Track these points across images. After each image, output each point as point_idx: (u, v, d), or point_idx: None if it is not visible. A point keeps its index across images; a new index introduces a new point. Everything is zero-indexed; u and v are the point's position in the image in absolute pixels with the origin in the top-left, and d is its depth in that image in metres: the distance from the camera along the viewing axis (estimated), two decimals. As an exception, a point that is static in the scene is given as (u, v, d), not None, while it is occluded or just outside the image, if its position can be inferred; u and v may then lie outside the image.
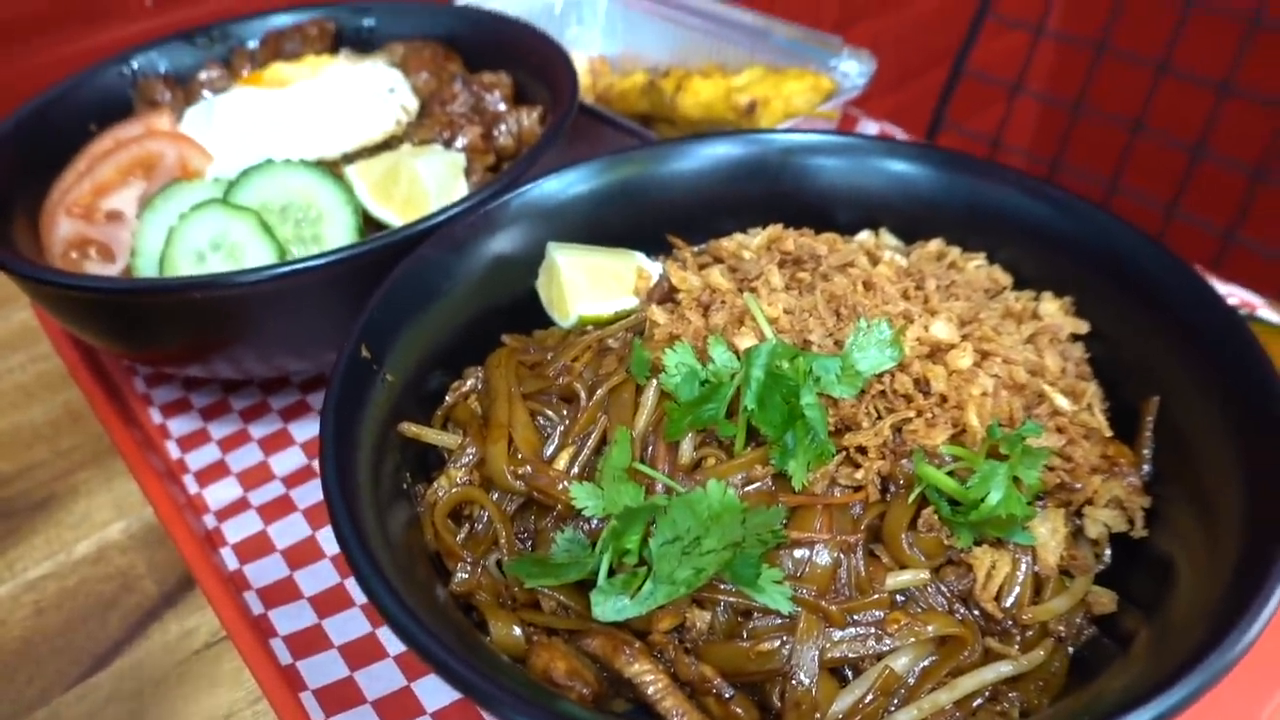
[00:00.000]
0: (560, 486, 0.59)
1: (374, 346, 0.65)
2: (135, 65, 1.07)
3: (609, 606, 0.54)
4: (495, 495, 0.62)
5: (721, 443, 0.60)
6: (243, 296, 0.74)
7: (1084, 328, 0.70)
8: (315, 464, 0.86)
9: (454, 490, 0.62)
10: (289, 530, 0.80)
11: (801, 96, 0.99)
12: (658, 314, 0.68)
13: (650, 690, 0.52)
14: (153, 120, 0.94)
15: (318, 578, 0.76)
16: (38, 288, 0.79)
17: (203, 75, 1.03)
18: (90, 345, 1.00)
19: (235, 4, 1.27)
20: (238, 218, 0.82)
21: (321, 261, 0.73)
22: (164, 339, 0.82)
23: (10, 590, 0.80)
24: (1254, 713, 0.61)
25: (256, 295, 0.74)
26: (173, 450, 0.90)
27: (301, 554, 0.77)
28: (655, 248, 0.82)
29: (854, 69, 1.12)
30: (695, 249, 0.81)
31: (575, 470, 0.61)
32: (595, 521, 0.58)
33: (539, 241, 0.79)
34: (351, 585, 0.75)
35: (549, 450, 0.63)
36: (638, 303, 0.73)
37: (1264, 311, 0.97)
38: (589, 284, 0.73)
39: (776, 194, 0.83)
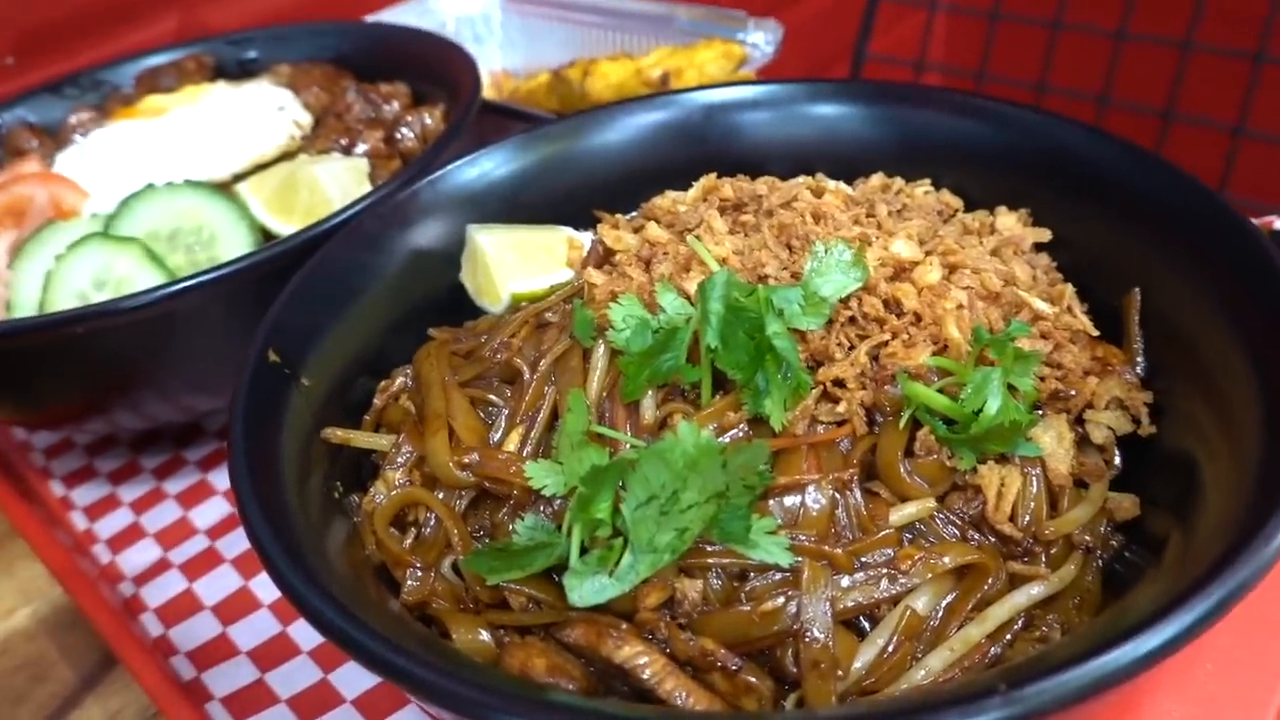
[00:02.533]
0: (513, 470, 0.52)
1: (286, 351, 0.58)
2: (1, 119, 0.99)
3: (586, 589, 0.47)
4: (441, 494, 0.55)
5: (686, 395, 0.54)
6: (130, 325, 0.66)
7: (1046, 235, 0.66)
8: (242, 511, 0.78)
9: (394, 493, 0.54)
10: (217, 584, 0.71)
11: (715, 64, 0.95)
12: (595, 275, 0.62)
13: (646, 674, 0.45)
14: (18, 167, 0.86)
15: (254, 629, 0.67)
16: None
17: (73, 119, 0.95)
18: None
19: (106, 54, 1.20)
20: (121, 250, 0.74)
21: (211, 276, 0.65)
22: (54, 389, 0.74)
23: (-98, 701, 0.70)
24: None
25: (145, 322, 0.66)
26: (78, 521, 0.80)
27: (234, 607, 0.69)
28: (584, 225, 0.76)
29: (762, 38, 1.09)
30: (626, 217, 0.75)
31: (528, 450, 0.54)
32: (558, 501, 0.51)
33: (458, 231, 0.73)
34: (294, 631, 0.66)
35: (495, 436, 0.56)
36: (573, 275, 0.67)
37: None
38: (518, 261, 0.67)
39: (704, 156, 0.78)
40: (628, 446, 0.50)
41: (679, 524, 0.46)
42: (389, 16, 1.30)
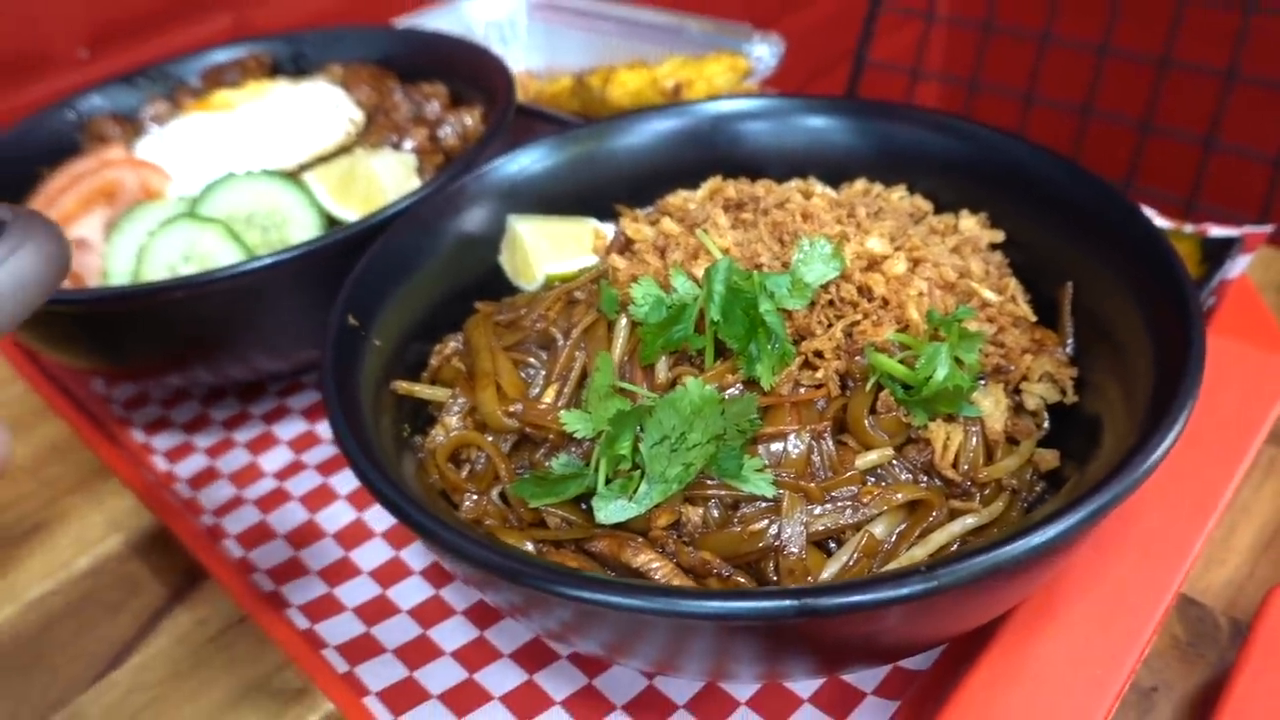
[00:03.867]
0: (551, 418, 0.64)
1: (359, 315, 0.69)
2: (79, 109, 1.11)
3: (610, 509, 0.59)
4: (490, 437, 0.67)
5: (692, 360, 0.66)
6: (218, 294, 0.78)
7: (1000, 236, 0.78)
8: (303, 457, 0.90)
9: (452, 435, 0.66)
10: (287, 517, 0.83)
11: (721, 76, 1.07)
12: (618, 260, 0.73)
13: (657, 576, 0.57)
14: (105, 153, 0.97)
15: (323, 554, 0.79)
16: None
17: (149, 110, 1.07)
18: (63, 381, 1.02)
19: (168, 49, 1.31)
20: (206, 228, 0.86)
21: (291, 255, 0.77)
22: (146, 347, 0.85)
23: (16, 609, 0.82)
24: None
25: (230, 291, 0.78)
26: (160, 463, 0.92)
27: (304, 535, 0.81)
28: (606, 217, 0.88)
29: (765, 51, 1.21)
30: (644, 211, 0.87)
31: (562, 403, 0.66)
32: (587, 443, 0.63)
33: (497, 219, 0.84)
34: (356, 555, 0.78)
35: (534, 391, 0.68)
36: (598, 260, 0.79)
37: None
38: (551, 247, 0.79)
39: (711, 159, 0.90)
40: (644, 399, 0.62)
41: (685, 460, 0.58)
42: (421, 20, 1.41)
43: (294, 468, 0.88)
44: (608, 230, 0.82)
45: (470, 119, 1.01)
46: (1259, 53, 1.55)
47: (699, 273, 0.67)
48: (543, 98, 1.25)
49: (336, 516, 0.82)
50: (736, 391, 0.63)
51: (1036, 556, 0.47)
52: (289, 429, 0.93)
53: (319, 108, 1.01)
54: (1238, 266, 0.88)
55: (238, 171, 0.92)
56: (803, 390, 0.64)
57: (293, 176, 0.92)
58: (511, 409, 0.65)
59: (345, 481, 0.86)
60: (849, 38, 2.29)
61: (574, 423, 0.62)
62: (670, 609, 0.47)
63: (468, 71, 1.10)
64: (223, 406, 0.97)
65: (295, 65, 1.19)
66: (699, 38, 1.27)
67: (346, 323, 0.68)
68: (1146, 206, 0.86)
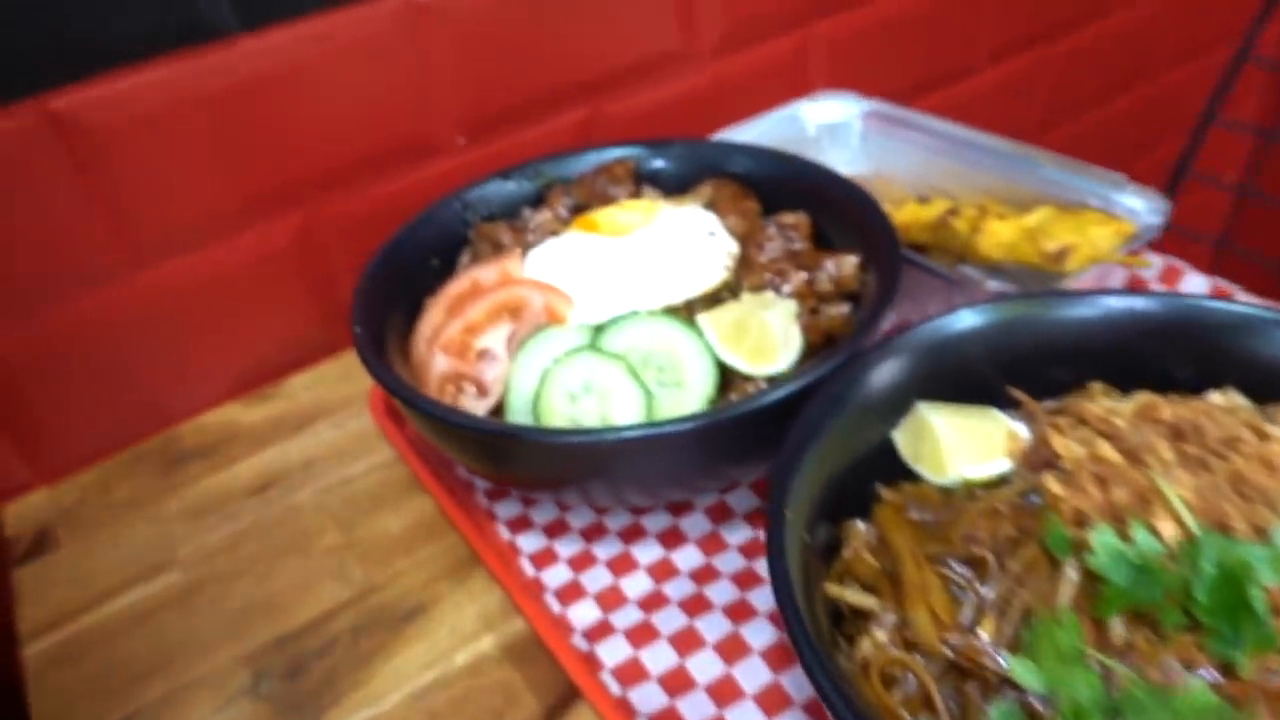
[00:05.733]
0: (991, 658, 0.64)
1: (781, 497, 0.72)
2: (464, 202, 1.20)
3: (1071, 785, 0.58)
4: (920, 658, 0.67)
5: (1142, 617, 0.64)
6: (616, 448, 0.82)
7: None
8: (665, 589, 0.93)
9: (885, 654, 0.67)
10: (659, 657, 0.86)
11: (1106, 241, 1.03)
12: (1054, 484, 0.72)
13: None
14: (506, 265, 1.05)
15: (697, 708, 0.82)
16: (432, 423, 0.89)
17: (534, 218, 1.14)
18: (430, 457, 1.11)
19: (533, 137, 1.40)
20: (608, 363, 0.91)
21: (728, 414, 0.80)
22: (533, 471, 0.91)
23: (401, 699, 0.89)
24: None
25: (628, 447, 0.82)
26: (527, 567, 0.98)
27: (677, 681, 0.84)
28: (996, 395, 0.86)
29: (1140, 206, 1.15)
30: (1046, 405, 0.85)
31: (1002, 641, 0.66)
32: (1030, 695, 0.62)
33: (898, 387, 0.84)
34: (731, 715, 0.80)
35: (966, 615, 0.68)
36: (1011, 465, 0.78)
37: None
38: (963, 443, 0.78)
39: (1126, 353, 0.86)
40: (1120, 675, 0.60)
41: (1162, 752, 0.56)
42: (757, 124, 1.44)
43: (656, 600, 0.92)
44: (1020, 430, 0.81)
45: (848, 265, 1.01)
46: None
47: (1162, 528, 0.65)
48: (888, 223, 1.24)
49: (706, 667, 0.85)
50: (1205, 675, 0.61)
51: None
52: (646, 553, 0.97)
53: (700, 237, 1.05)
54: None
55: (634, 306, 0.96)
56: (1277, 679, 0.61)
57: (686, 317, 0.96)
58: (949, 639, 0.65)
59: (709, 626, 0.89)
60: (1142, 132, 2.16)
61: (1026, 676, 0.61)
62: None
63: (830, 203, 1.11)
64: (578, 514, 1.03)
65: (652, 176, 1.24)
66: (1056, 178, 1.23)
67: (785, 515, 0.70)
68: None
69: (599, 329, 0.95)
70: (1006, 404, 0.86)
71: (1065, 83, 2.05)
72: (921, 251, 1.24)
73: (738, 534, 0.98)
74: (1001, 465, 0.78)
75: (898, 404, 0.85)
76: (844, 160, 1.50)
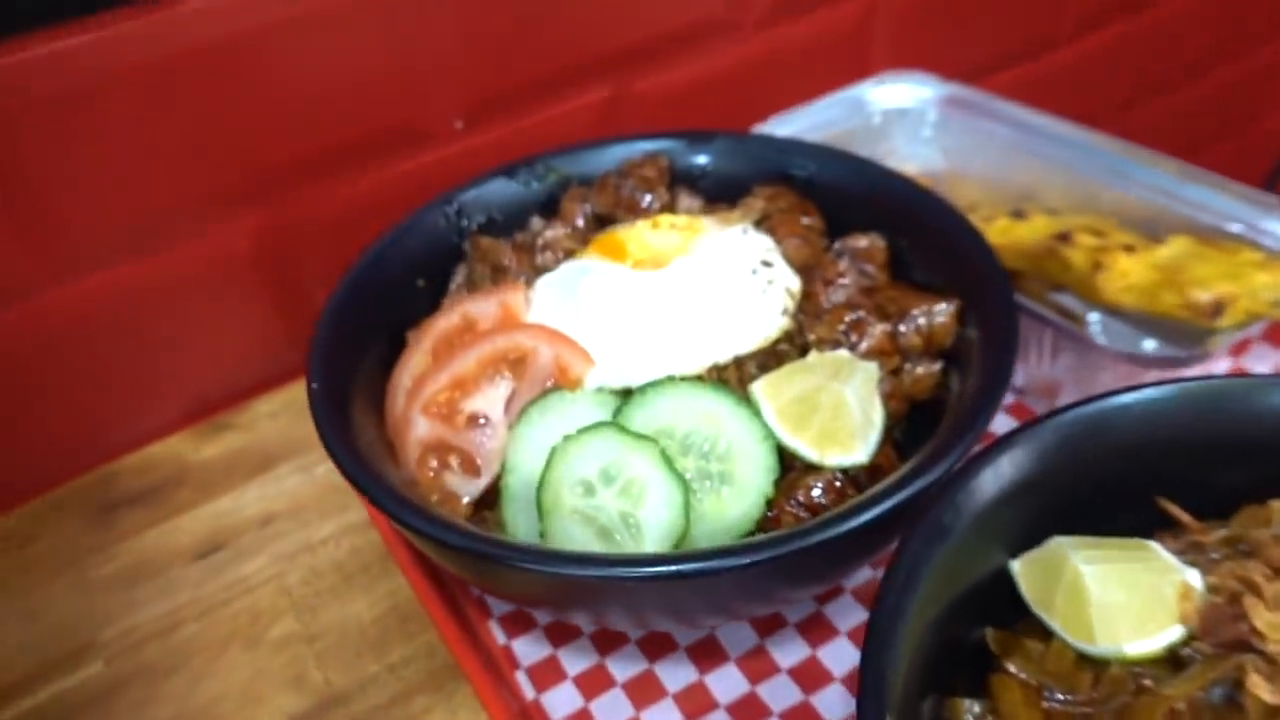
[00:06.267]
0: None
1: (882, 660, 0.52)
2: (457, 207, 0.98)
3: None
4: None
5: None
6: (634, 584, 0.62)
7: None
8: (700, 730, 0.74)
9: None
10: (692, 837, 0.67)
11: (1272, 291, 0.81)
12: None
13: None
14: (508, 298, 0.83)
15: None
16: (407, 531, 0.68)
17: (544, 232, 0.92)
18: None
19: (543, 121, 1.17)
20: (636, 449, 0.70)
21: (775, 552, 0.60)
22: (527, 595, 0.72)
23: None
24: None
25: (651, 584, 0.62)
26: (524, 684, 0.78)
27: None
28: (1140, 509, 0.66)
29: (1300, 236, 0.93)
30: (1207, 527, 0.64)
31: None
32: None
33: (1020, 504, 0.64)
34: None
35: None
36: (1183, 631, 0.57)
37: None
38: (1125, 608, 0.57)
39: None
40: None
41: None
42: (812, 111, 1.21)
43: (690, 747, 0.72)
44: (1192, 579, 0.60)
45: (943, 315, 0.80)
46: None
47: None
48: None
49: None
50: None
51: None
52: (674, 674, 0.77)
53: (749, 272, 0.83)
54: None
55: (669, 364, 0.76)
56: None
57: (736, 385, 0.75)
58: None
59: (756, 790, 0.69)
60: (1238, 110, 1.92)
61: None
62: None
63: (914, 224, 0.89)
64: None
65: (690, 175, 1.02)
66: (1182, 193, 1.00)
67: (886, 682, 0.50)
68: None
69: (625, 397, 0.74)
70: (1153, 520, 0.66)
71: (1153, 57, 1.80)
72: (1011, 279, 1.02)
73: (791, 650, 0.78)
74: (1173, 633, 0.57)
75: (1021, 524, 0.65)
76: (914, 156, 1.27)
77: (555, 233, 0.92)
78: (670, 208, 0.97)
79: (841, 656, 0.78)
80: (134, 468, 1.05)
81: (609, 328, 0.79)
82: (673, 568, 0.60)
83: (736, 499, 0.70)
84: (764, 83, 1.31)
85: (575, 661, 0.79)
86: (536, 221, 0.96)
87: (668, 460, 0.70)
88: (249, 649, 0.86)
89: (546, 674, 0.79)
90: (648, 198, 0.96)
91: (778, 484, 0.70)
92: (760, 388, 0.73)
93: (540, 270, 0.90)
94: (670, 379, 0.73)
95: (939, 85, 1.26)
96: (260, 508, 0.99)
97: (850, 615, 0.81)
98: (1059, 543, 0.61)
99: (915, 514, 0.61)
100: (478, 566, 0.67)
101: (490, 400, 0.78)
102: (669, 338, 0.78)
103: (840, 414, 0.71)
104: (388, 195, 1.10)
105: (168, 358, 1.07)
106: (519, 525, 0.73)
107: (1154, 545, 0.62)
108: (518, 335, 0.78)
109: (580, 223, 0.96)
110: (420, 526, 0.65)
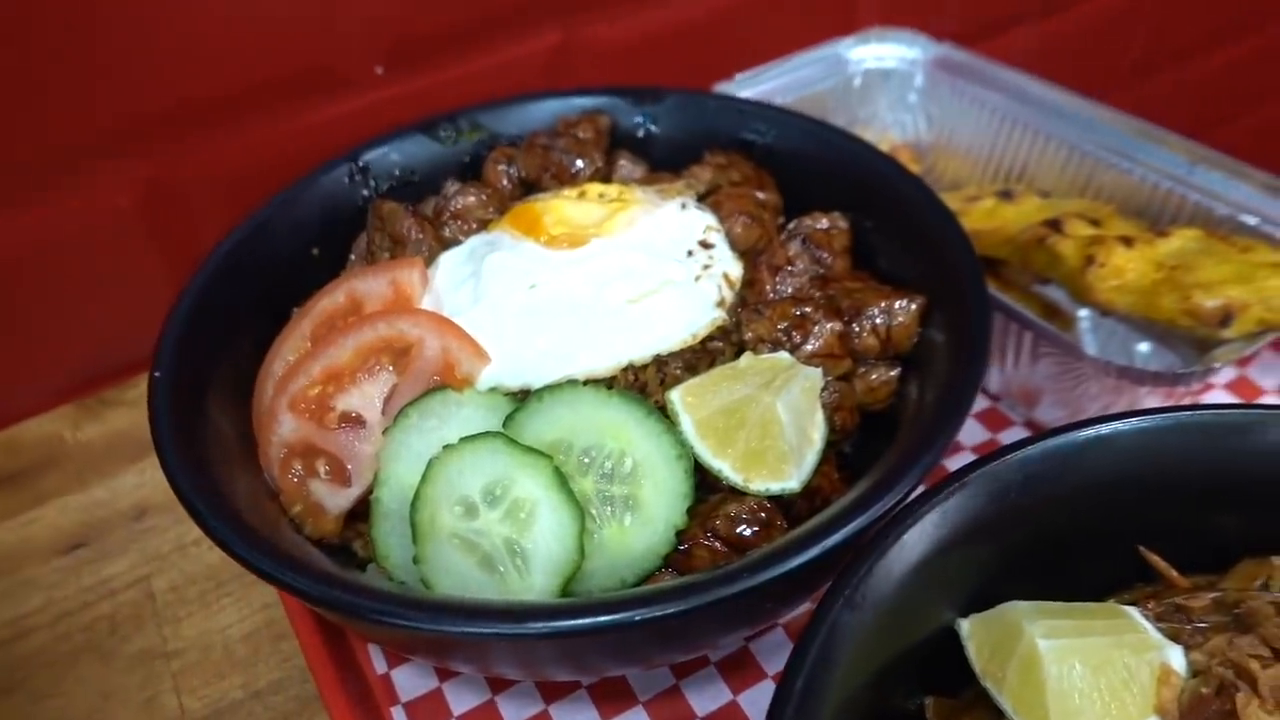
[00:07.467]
0: None
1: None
2: (365, 162, 0.85)
3: None
4: None
5: None
6: (537, 641, 0.51)
7: None
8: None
9: None
10: None
11: (1285, 298, 0.69)
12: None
13: None
14: (399, 275, 0.71)
15: None
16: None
17: (457, 198, 0.80)
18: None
19: (480, 69, 1.04)
20: (525, 465, 0.58)
21: (682, 607, 0.49)
22: (401, 642, 0.61)
23: None
24: None
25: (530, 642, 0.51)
26: (400, 724, 0.68)
27: None
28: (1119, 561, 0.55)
29: (1323, 233, 0.80)
30: (1196, 585, 0.54)
31: None
32: None
33: (970, 557, 0.53)
34: None
35: None
36: (1165, 728, 0.46)
37: None
38: (1091, 697, 0.46)
39: None
40: None
41: None
42: (784, 67, 1.08)
43: (582, 811, 0.62)
44: (1174, 660, 0.49)
45: (905, 314, 0.68)
46: None
47: None
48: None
49: None
50: None
51: None
52: (574, 716, 0.67)
53: (687, 251, 0.72)
54: None
55: (573, 361, 0.64)
56: None
57: (653, 392, 0.63)
58: None
59: None
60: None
61: None
62: None
63: (892, 214, 0.77)
64: (488, 640, 0.72)
65: (633, 137, 0.89)
66: (1191, 177, 0.88)
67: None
68: None
69: (518, 401, 0.62)
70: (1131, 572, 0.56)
71: (1172, 16, 1.65)
72: (993, 268, 0.90)
73: (709, 694, 0.68)
74: (1148, 729, 0.46)
75: (974, 575, 0.54)
76: (896, 124, 1.14)
77: (467, 200, 0.80)
78: (606, 175, 0.84)
79: (765, 703, 0.67)
80: (3, 446, 0.94)
81: (510, 316, 0.67)
82: (543, 625, 0.49)
83: (641, 529, 0.59)
84: (736, 34, 1.18)
85: (461, 698, 0.69)
86: (450, 186, 0.84)
87: (562, 480, 0.58)
88: (101, 663, 0.75)
89: (427, 712, 0.68)
90: (579, 162, 0.83)
91: (691, 511, 0.59)
92: (679, 396, 0.62)
93: (447, 243, 0.78)
94: (571, 383, 0.62)
95: (928, 45, 1.12)
96: (135, 498, 0.88)
97: (780, 655, 0.70)
98: (1014, 608, 0.50)
99: (854, 553, 0.50)
100: (326, 607, 0.56)
101: (367, 397, 0.67)
102: (577, 331, 0.66)
103: (770, 431, 0.60)
104: (298, 148, 0.98)
105: (42, 325, 0.95)
106: (391, 548, 0.62)
107: (1130, 612, 0.51)
108: (401, 322, 0.67)
109: (506, 184, 0.84)
110: (260, 565, 0.54)
